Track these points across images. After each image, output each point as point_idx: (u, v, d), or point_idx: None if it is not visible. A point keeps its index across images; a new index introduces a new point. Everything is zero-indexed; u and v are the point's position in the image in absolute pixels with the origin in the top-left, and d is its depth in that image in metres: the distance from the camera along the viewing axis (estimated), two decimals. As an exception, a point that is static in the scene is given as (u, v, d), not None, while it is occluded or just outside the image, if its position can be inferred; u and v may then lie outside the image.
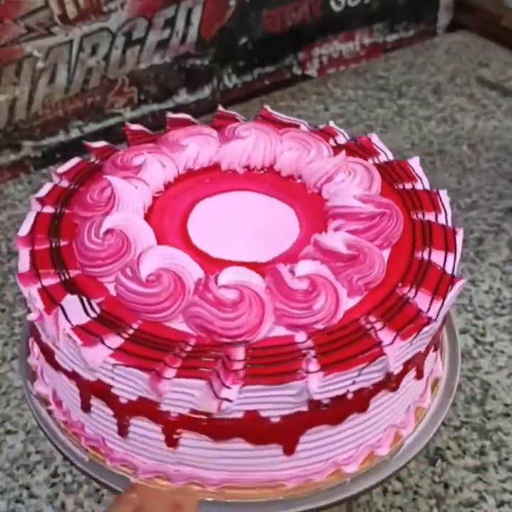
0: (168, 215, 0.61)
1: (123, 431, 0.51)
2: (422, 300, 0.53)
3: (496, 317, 0.96)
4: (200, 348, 0.49)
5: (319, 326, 0.51)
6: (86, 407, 0.53)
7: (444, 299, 0.53)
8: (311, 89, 1.45)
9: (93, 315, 0.51)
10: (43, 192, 0.63)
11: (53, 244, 0.57)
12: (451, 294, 0.53)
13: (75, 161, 0.67)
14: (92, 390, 0.51)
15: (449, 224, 0.60)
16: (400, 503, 0.76)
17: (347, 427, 0.52)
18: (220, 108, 0.73)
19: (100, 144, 0.69)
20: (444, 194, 0.63)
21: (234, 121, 0.71)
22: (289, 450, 0.51)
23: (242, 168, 0.66)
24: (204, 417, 0.48)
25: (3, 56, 1.13)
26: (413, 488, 0.77)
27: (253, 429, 0.49)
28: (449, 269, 0.56)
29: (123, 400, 0.50)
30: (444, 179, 1.19)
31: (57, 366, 0.54)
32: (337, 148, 0.66)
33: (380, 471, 0.55)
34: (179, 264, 0.53)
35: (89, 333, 0.50)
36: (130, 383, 0.49)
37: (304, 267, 0.53)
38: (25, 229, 0.58)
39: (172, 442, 0.50)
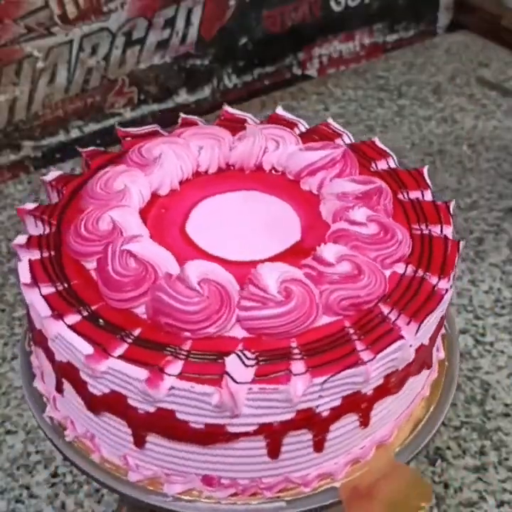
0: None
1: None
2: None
3: (496, 317, 0.96)
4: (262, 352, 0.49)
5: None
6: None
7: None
8: (311, 89, 1.45)
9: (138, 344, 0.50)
10: (22, 239, 0.58)
11: (62, 287, 0.54)
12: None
13: (54, 174, 0.64)
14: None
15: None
16: (399, 503, 0.76)
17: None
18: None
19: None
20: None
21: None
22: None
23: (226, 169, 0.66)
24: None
25: (3, 56, 1.13)
26: (413, 488, 0.77)
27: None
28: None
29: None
30: (444, 179, 1.19)
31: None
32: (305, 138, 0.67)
33: None
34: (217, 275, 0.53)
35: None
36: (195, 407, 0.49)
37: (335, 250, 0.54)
38: (26, 277, 0.55)
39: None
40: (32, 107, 1.20)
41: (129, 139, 0.68)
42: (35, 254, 0.56)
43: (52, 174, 0.64)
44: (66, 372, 0.52)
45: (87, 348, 0.49)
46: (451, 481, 0.78)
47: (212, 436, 0.49)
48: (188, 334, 0.50)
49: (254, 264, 0.54)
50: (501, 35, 1.55)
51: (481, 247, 1.07)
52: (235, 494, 0.52)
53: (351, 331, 0.51)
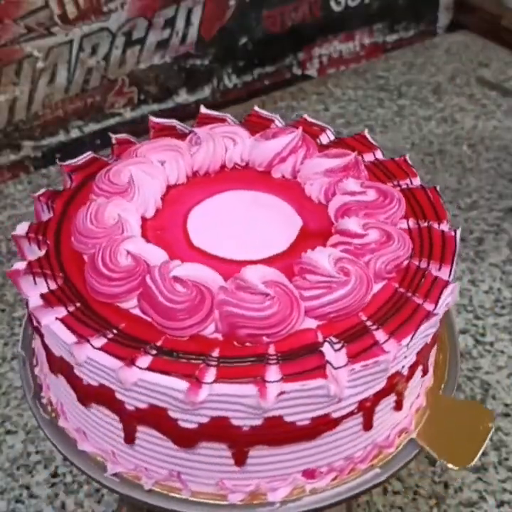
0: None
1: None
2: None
3: (496, 317, 0.96)
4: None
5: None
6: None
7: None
8: (311, 89, 1.45)
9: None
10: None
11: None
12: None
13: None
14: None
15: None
16: (400, 503, 0.76)
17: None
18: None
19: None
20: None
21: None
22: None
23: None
24: None
25: (3, 56, 1.13)
26: (413, 488, 0.77)
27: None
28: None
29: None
30: (444, 179, 1.19)
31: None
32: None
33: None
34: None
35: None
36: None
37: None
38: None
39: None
40: (32, 107, 1.20)
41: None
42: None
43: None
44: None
45: (179, 384, 0.48)
46: (452, 480, 0.78)
47: (319, 427, 0.50)
48: (267, 339, 0.50)
49: (273, 256, 0.56)
50: (501, 35, 1.55)
51: (481, 247, 1.07)
52: (334, 478, 0.53)
53: (403, 290, 0.54)
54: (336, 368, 0.48)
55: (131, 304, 0.53)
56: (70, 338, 0.50)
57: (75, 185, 0.64)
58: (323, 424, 0.50)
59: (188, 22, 1.29)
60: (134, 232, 0.57)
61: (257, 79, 1.42)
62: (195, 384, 0.47)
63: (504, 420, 0.84)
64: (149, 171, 0.62)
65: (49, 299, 0.53)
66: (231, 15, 1.33)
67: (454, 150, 1.27)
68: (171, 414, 0.49)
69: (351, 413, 0.51)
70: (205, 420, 0.48)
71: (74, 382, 0.52)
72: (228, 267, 0.55)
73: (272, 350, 0.50)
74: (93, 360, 0.49)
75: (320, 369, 0.48)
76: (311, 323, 0.51)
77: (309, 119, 0.72)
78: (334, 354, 0.49)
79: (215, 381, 0.47)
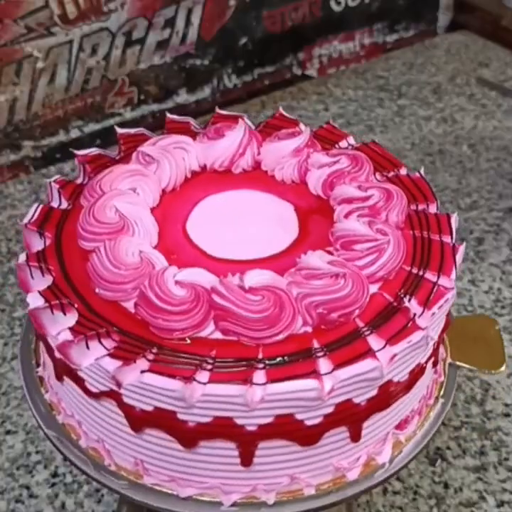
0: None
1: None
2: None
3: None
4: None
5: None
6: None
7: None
8: (311, 89, 1.45)
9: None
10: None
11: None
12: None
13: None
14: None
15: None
16: (399, 503, 0.76)
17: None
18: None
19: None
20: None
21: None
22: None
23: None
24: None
25: (3, 56, 1.13)
26: (413, 488, 0.77)
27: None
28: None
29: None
30: (444, 179, 1.19)
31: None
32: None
33: (340, 492, 0.55)
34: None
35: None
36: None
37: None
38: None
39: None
40: (32, 107, 1.20)
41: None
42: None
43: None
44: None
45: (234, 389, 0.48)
46: (451, 481, 0.78)
47: (373, 408, 0.52)
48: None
49: (295, 250, 0.57)
50: (501, 35, 1.55)
51: (481, 247, 1.07)
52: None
53: (402, 294, 0.54)
54: (377, 351, 0.50)
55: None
56: (114, 363, 0.50)
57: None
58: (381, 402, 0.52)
59: (188, 22, 1.29)
60: (163, 263, 0.55)
61: (257, 79, 1.42)
62: (250, 385, 0.48)
63: (504, 420, 0.84)
64: (131, 200, 0.59)
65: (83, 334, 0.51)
66: (231, 15, 1.33)
67: (454, 150, 1.27)
68: (237, 421, 0.49)
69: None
70: (268, 420, 0.49)
71: (123, 409, 0.52)
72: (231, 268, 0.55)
73: (316, 343, 0.51)
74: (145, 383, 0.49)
75: (368, 353, 0.50)
76: (307, 328, 0.52)
77: (285, 114, 0.74)
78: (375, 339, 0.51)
79: (267, 382, 0.48)
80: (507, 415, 0.84)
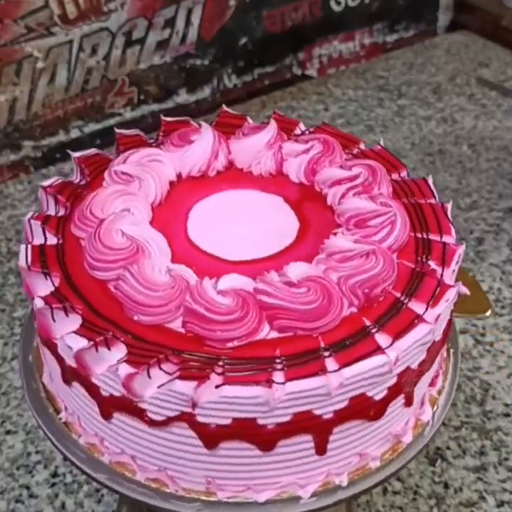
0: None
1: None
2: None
3: (496, 317, 0.96)
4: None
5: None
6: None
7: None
8: (311, 89, 1.45)
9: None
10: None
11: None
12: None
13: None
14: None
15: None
16: (399, 503, 0.76)
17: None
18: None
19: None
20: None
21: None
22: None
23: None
24: None
25: (3, 56, 1.13)
26: (413, 488, 0.77)
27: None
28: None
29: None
30: (444, 179, 1.19)
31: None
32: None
33: (402, 457, 0.56)
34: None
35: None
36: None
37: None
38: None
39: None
40: (32, 107, 1.20)
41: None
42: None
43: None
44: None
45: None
46: (451, 481, 0.78)
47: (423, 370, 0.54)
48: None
49: (305, 237, 0.59)
50: (501, 35, 1.55)
51: (481, 247, 1.07)
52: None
53: (421, 259, 0.56)
54: (424, 315, 0.51)
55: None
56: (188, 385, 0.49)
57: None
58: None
59: (188, 22, 1.29)
60: (193, 276, 0.55)
61: (257, 79, 1.42)
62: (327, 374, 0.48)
63: (504, 420, 0.84)
64: (132, 220, 0.58)
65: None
66: (231, 15, 1.33)
67: (454, 150, 1.27)
68: (315, 412, 0.49)
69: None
70: (344, 404, 0.50)
71: (196, 429, 0.51)
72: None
73: (367, 321, 0.52)
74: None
75: (418, 319, 0.51)
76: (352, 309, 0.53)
77: (229, 111, 0.72)
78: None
79: (340, 368, 0.49)
80: (507, 415, 0.84)
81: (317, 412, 0.49)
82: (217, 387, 0.47)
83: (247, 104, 1.38)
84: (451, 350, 0.63)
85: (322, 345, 0.50)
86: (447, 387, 0.60)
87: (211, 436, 0.50)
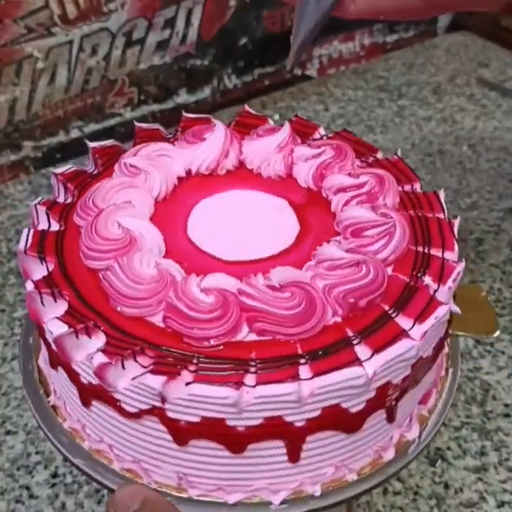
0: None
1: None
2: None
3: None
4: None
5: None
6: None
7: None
8: (311, 89, 1.45)
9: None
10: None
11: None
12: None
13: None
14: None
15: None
16: (400, 503, 0.76)
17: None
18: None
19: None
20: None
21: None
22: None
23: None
24: None
25: (3, 56, 1.13)
26: (413, 488, 0.77)
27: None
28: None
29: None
30: (444, 179, 1.19)
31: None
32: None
33: (381, 472, 0.55)
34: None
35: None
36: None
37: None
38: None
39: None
40: (32, 107, 1.20)
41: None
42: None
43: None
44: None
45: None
46: (452, 481, 0.78)
47: (407, 386, 0.53)
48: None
49: (301, 243, 0.58)
50: (501, 35, 1.55)
51: (481, 247, 1.07)
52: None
53: (416, 273, 0.55)
54: (409, 331, 0.51)
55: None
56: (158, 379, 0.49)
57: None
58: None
59: (188, 22, 1.29)
60: (181, 272, 0.54)
61: (257, 79, 1.42)
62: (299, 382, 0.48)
63: (504, 420, 0.84)
64: (130, 213, 0.58)
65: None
66: (231, 15, 1.33)
67: (454, 150, 1.27)
68: (286, 419, 0.49)
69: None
70: (316, 413, 0.49)
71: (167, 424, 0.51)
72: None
73: (349, 332, 0.51)
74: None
75: (402, 334, 0.51)
76: (337, 318, 0.52)
77: (252, 111, 0.74)
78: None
79: (313, 376, 0.48)
80: (507, 416, 0.84)
81: (288, 419, 0.49)
82: (187, 384, 0.47)
83: (247, 104, 1.38)
84: (450, 370, 0.62)
85: (299, 351, 0.49)
86: (440, 407, 0.59)
87: (181, 433, 0.50)
